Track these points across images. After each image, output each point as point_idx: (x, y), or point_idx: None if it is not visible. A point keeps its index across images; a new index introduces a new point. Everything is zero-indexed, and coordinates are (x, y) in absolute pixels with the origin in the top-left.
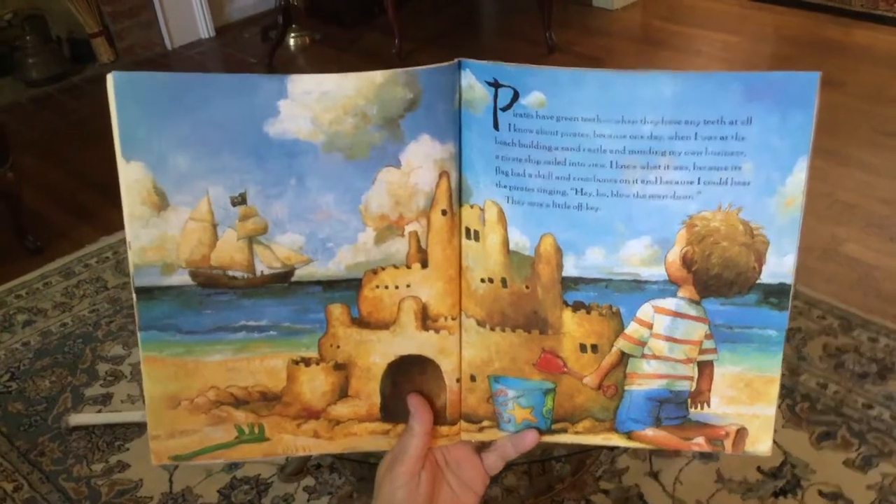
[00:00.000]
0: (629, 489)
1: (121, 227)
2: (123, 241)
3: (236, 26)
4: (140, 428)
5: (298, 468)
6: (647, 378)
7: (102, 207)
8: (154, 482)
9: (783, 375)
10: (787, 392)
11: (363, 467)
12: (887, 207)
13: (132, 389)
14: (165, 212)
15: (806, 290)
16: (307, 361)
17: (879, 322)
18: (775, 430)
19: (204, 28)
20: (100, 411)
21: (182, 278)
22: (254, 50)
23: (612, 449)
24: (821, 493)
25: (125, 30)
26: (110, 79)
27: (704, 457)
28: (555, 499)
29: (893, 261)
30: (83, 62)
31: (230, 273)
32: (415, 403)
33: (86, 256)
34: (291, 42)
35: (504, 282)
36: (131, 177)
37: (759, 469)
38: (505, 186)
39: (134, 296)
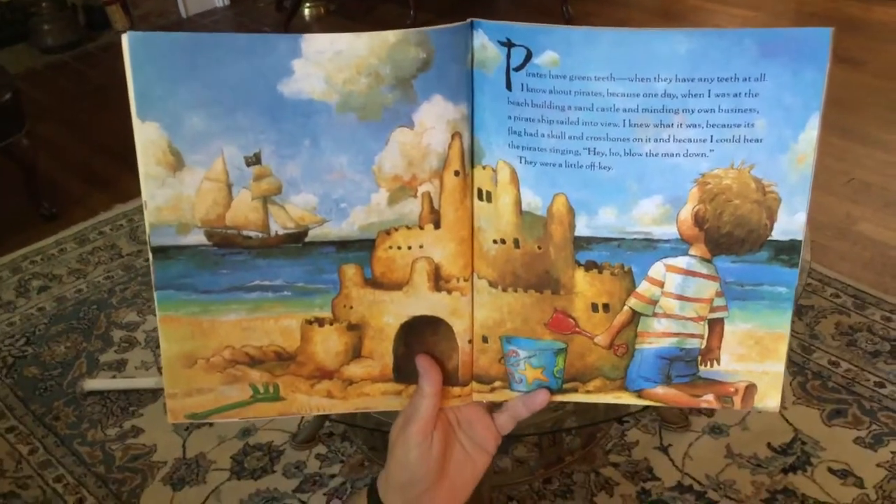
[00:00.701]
0: (638, 462)
1: (135, 194)
2: (138, 208)
3: None
4: (154, 394)
5: (310, 436)
6: (657, 336)
7: (117, 175)
8: (168, 447)
9: (795, 353)
10: (798, 369)
11: (375, 436)
12: None
13: (146, 356)
14: (181, 172)
15: (819, 268)
16: (321, 322)
17: (893, 301)
18: (785, 408)
19: None
20: (114, 377)
21: (197, 238)
22: (268, 19)
23: (621, 422)
24: (830, 470)
25: None
26: (125, 39)
27: (714, 432)
28: (565, 471)
29: None
30: (98, 29)
31: (245, 233)
32: (423, 364)
33: (100, 223)
34: (306, 12)
35: (516, 242)
36: (146, 137)
37: (769, 445)
38: (517, 147)
39: (150, 255)
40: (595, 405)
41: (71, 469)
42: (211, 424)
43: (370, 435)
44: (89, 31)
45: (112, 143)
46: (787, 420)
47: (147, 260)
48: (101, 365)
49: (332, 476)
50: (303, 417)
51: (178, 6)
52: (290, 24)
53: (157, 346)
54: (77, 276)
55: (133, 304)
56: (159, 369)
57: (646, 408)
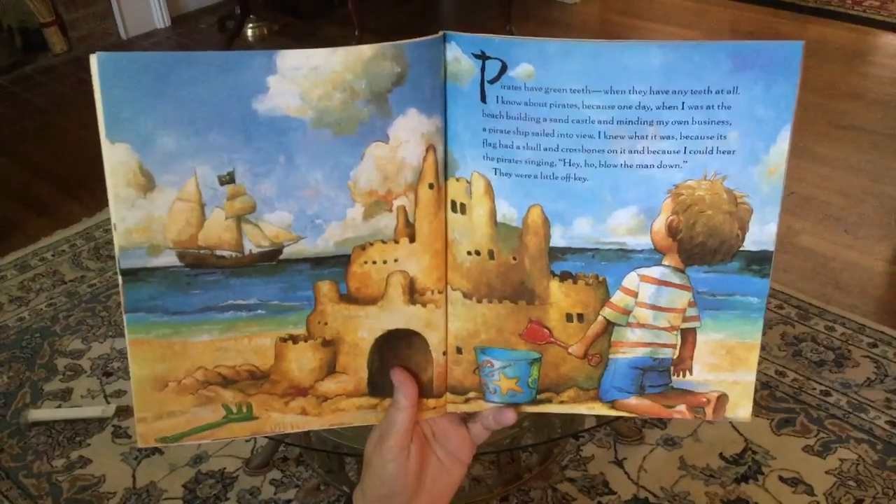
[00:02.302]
0: (594, 477)
1: (76, 219)
2: (80, 234)
3: (192, 16)
4: (101, 423)
5: (265, 461)
6: (631, 346)
7: (57, 200)
8: (117, 477)
9: None
10: None
11: (331, 459)
12: (843, 199)
13: (92, 384)
14: (152, 193)
15: None
16: (295, 339)
17: (836, 311)
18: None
19: (159, 18)
20: (59, 406)
21: (169, 259)
22: (210, 40)
23: (576, 437)
24: (781, 478)
25: (79, 19)
26: (94, 59)
27: (668, 444)
28: (522, 488)
29: (848, 252)
30: (35, 52)
31: (218, 253)
32: (399, 377)
33: (41, 250)
34: (249, 33)
35: (491, 253)
36: (116, 158)
37: (721, 456)
38: (492, 158)
39: (120, 278)
40: (551, 420)
41: (17, 502)
42: (162, 452)
43: (326, 458)
44: (26, 54)
45: (52, 168)
46: (737, 430)
47: (91, 286)
48: (46, 394)
49: (288, 501)
50: (256, 442)
51: (117, 28)
52: (233, 45)
53: (103, 374)
54: (18, 303)
55: (77, 332)
56: (106, 397)
57: (601, 422)
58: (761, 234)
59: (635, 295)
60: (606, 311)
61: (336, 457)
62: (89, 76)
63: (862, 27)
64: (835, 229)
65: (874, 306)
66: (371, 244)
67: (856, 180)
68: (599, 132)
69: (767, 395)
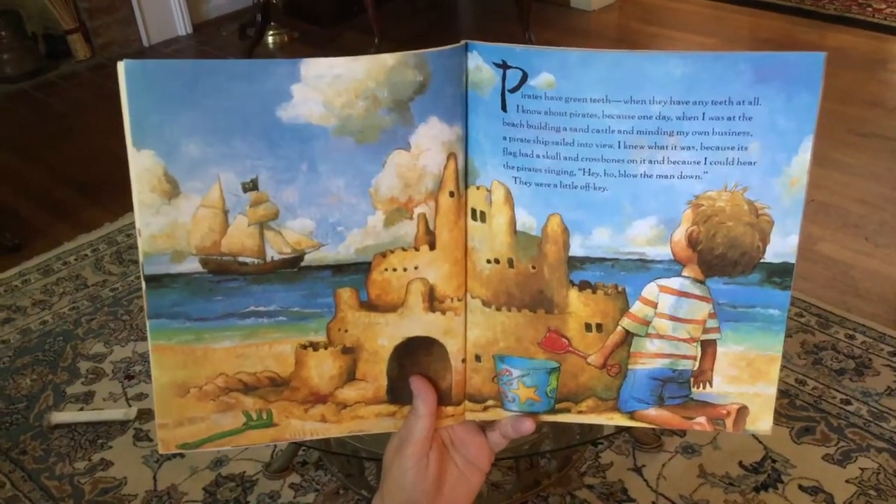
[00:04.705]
0: (613, 484)
1: (98, 224)
2: (102, 238)
3: (214, 23)
4: (123, 426)
5: (284, 465)
6: (650, 357)
7: (80, 204)
8: (138, 480)
9: None
10: None
11: (351, 463)
12: (862, 207)
13: (114, 387)
14: (176, 199)
15: None
16: (315, 346)
17: (856, 319)
18: None
19: (181, 25)
20: (81, 409)
21: (192, 266)
22: (231, 48)
23: (595, 444)
24: (801, 487)
25: (102, 26)
26: (121, 67)
27: (687, 451)
28: (541, 494)
29: (868, 259)
30: (59, 58)
31: (240, 259)
32: (418, 385)
33: (64, 254)
34: (270, 40)
35: (510, 262)
36: (142, 165)
37: (740, 464)
38: (512, 167)
39: (143, 284)
40: (571, 427)
41: None
42: (183, 455)
43: (346, 462)
44: (50, 61)
45: (74, 173)
46: (757, 439)
47: (113, 290)
48: (68, 397)
49: None
50: (276, 446)
51: (140, 35)
52: (254, 52)
53: (125, 377)
54: (42, 307)
55: (100, 335)
56: (127, 401)
57: (620, 429)
58: (782, 246)
59: (655, 306)
60: (626, 322)
61: (355, 461)
62: (112, 82)
63: (882, 35)
64: (855, 237)
65: (895, 315)
66: (392, 251)
67: (876, 188)
68: (619, 142)
69: (787, 403)
